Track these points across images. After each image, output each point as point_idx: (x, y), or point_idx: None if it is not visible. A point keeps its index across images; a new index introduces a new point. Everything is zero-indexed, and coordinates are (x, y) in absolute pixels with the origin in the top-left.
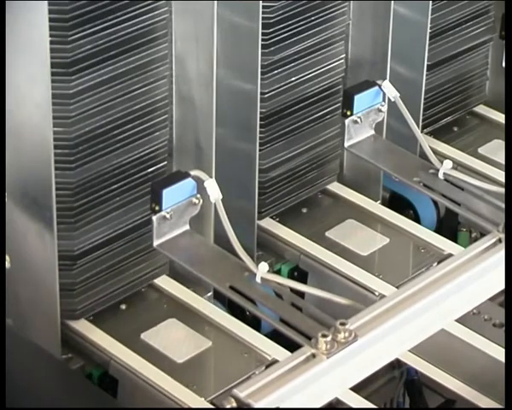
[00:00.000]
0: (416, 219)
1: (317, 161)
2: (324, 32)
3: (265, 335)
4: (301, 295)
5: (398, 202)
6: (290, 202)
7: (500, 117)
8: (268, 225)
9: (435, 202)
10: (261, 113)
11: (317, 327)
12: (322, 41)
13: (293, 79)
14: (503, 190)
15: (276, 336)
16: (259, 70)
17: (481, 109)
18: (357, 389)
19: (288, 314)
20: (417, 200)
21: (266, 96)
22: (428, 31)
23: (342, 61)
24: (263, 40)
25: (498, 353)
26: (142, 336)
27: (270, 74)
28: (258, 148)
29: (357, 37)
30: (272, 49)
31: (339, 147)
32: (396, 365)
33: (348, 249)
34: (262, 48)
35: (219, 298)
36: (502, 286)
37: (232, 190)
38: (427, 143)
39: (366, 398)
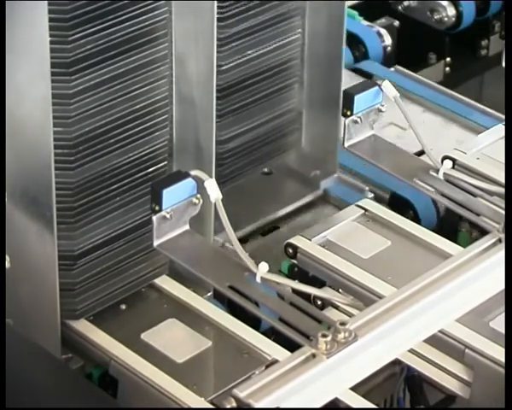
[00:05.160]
0: (416, 219)
1: (275, 133)
2: (281, 6)
3: (263, 332)
4: (301, 294)
5: (397, 203)
6: (248, 173)
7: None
8: None
9: (435, 202)
10: (218, 85)
11: (317, 327)
12: (279, 15)
13: (250, 52)
14: (503, 190)
15: (273, 333)
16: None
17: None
18: (357, 385)
19: (287, 314)
20: (417, 200)
21: (223, 68)
22: None
23: (299, 35)
24: (219, 13)
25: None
26: (142, 336)
27: (226, 47)
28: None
29: (314, 11)
30: (229, 22)
31: (296, 120)
32: (396, 360)
33: None
34: (218, 21)
35: (219, 298)
36: (502, 286)
37: None
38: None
39: (366, 394)
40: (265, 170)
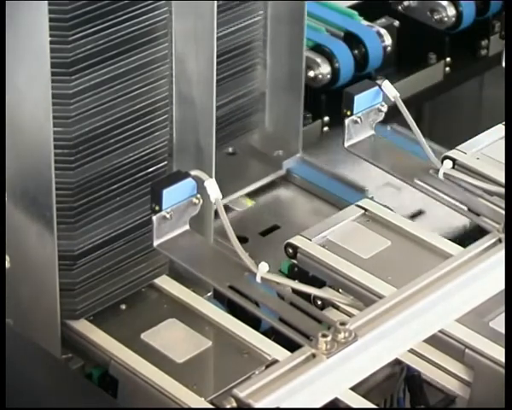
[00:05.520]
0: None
1: (238, 113)
2: None
3: (263, 332)
4: (301, 294)
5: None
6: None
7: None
8: None
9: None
10: None
11: (317, 327)
12: None
13: None
14: (503, 190)
15: (273, 333)
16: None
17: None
18: (357, 385)
19: (287, 314)
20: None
21: None
22: None
23: (261, 17)
24: None
25: (498, 353)
26: (142, 336)
27: None
28: None
29: None
30: None
31: (259, 100)
32: (396, 360)
33: None
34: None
35: (219, 298)
36: (502, 286)
37: None
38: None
39: (366, 394)
40: (230, 150)
